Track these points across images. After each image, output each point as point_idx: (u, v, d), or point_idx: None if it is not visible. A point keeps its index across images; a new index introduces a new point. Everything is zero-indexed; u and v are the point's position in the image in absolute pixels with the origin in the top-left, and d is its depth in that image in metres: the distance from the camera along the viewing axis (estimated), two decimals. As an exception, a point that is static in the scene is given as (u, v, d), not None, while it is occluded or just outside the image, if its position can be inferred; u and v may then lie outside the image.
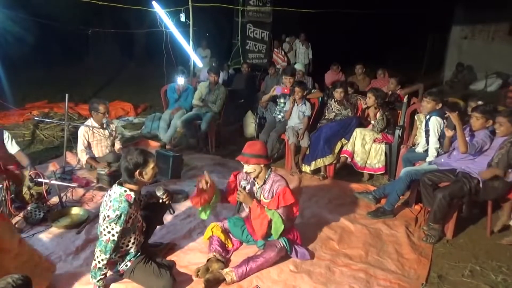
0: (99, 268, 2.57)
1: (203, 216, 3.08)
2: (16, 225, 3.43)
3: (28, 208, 3.54)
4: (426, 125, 4.08)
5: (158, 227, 3.23)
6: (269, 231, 2.95)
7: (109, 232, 2.53)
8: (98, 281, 2.59)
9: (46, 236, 3.33)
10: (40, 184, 3.69)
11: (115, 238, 2.54)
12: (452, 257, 3.25)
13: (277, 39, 9.80)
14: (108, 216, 2.53)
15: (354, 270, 3.01)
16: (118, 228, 2.53)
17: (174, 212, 3.08)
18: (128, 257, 2.75)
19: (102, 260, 2.55)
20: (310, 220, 3.63)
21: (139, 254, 2.79)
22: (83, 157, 4.54)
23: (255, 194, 3.08)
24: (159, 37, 6.59)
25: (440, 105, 4.01)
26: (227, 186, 3.20)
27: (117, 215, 2.52)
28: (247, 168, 2.95)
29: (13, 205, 3.50)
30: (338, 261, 3.12)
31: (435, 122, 3.96)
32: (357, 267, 3.04)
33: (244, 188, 2.97)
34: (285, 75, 5.40)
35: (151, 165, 2.66)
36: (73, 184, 4.13)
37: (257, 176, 3.01)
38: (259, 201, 3.01)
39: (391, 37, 12.06)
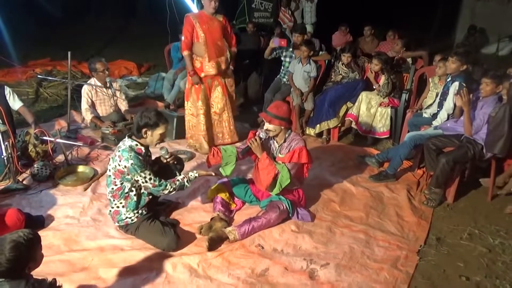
0: (182, 185, 2.77)
1: (226, 172, 3.08)
2: (24, 182, 3.50)
3: (35, 165, 3.59)
4: (445, 87, 4.00)
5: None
6: (274, 183, 2.99)
7: (148, 181, 2.64)
8: (194, 177, 2.83)
9: (53, 193, 3.40)
10: (45, 142, 3.72)
11: (155, 180, 2.66)
12: (452, 220, 3.30)
13: None
14: (125, 166, 2.58)
15: (354, 231, 3.06)
16: (147, 172, 2.63)
17: (181, 170, 3.05)
18: (136, 211, 2.78)
19: (172, 190, 2.73)
20: (312, 182, 3.66)
21: (146, 212, 2.84)
22: (88, 116, 4.54)
23: (274, 151, 3.13)
24: (163, -6, 6.39)
25: (465, 66, 3.84)
26: (246, 142, 3.17)
27: (133, 163, 2.58)
28: (268, 126, 3.00)
29: (19, 162, 3.54)
30: (339, 222, 3.18)
31: (457, 88, 3.77)
32: (358, 229, 3.10)
33: (260, 138, 3.01)
34: (294, 32, 5.26)
35: (160, 130, 2.68)
36: (79, 143, 4.17)
37: (276, 135, 3.06)
38: (269, 154, 3.04)
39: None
